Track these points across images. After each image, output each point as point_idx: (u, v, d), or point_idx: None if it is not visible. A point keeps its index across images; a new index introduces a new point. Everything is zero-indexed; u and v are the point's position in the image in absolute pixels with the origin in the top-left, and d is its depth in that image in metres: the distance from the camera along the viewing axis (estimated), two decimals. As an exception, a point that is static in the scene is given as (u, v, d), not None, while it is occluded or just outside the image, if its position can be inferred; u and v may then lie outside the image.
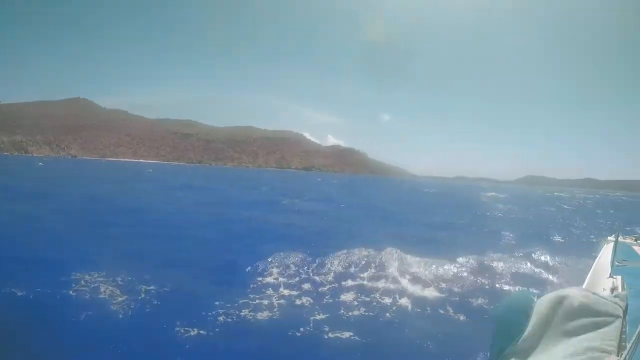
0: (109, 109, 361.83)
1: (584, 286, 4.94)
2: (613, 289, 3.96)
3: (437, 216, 26.04)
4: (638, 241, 6.57)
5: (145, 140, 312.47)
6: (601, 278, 4.76)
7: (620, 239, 6.48)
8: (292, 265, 10.02)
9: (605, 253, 5.83)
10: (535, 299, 1.99)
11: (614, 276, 4.37)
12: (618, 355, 1.56)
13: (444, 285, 9.32)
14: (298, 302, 8.02)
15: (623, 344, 1.77)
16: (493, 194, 69.91)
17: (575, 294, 1.81)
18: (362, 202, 34.49)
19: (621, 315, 1.69)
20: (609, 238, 6.64)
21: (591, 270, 5.49)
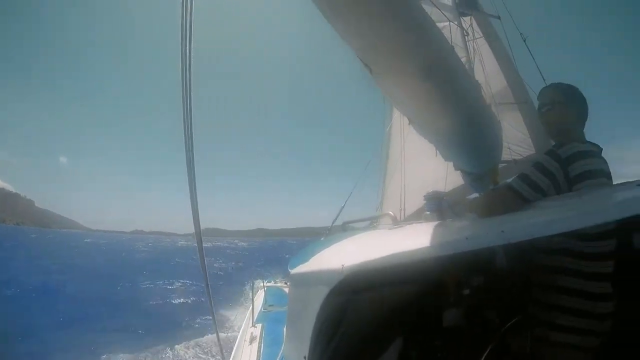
0: None
1: (239, 335, 4.82)
2: (252, 340, 3.98)
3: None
4: (288, 283, 6.93)
5: None
6: (248, 327, 4.84)
7: (272, 283, 6.83)
8: None
9: (258, 299, 5.91)
10: None
11: (256, 325, 4.46)
12: None
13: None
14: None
15: None
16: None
17: None
18: None
19: None
20: (264, 283, 6.73)
21: (245, 318, 5.55)
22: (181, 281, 19.43)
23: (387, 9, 1.07)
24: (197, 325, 10.39)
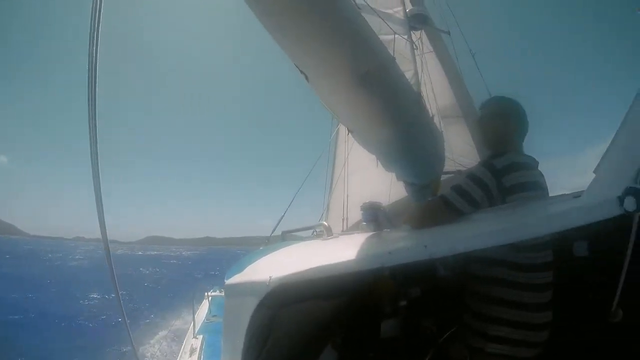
0: None
1: (181, 348, 4.57)
2: (192, 352, 3.78)
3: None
4: None
5: None
6: (189, 338, 4.59)
7: (217, 292, 6.49)
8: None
9: (203, 309, 5.76)
10: None
11: (197, 336, 4.25)
12: None
13: None
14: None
15: None
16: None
17: None
18: None
19: None
20: (208, 293, 6.48)
21: (188, 329, 5.27)
22: (107, 295, 16.60)
23: (312, 9, 1.03)
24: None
